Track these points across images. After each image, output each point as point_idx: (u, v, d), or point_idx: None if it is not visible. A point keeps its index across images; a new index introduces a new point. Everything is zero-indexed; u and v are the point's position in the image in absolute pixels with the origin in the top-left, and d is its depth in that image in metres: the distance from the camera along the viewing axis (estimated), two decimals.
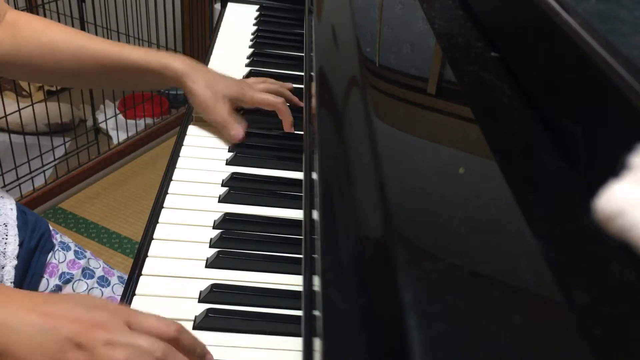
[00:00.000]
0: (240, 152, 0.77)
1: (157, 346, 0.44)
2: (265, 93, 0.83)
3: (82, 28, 1.98)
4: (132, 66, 0.77)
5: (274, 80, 0.88)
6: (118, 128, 2.10)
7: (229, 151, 0.78)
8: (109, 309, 0.46)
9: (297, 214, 0.68)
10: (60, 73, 0.77)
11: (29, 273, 0.73)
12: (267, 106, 0.82)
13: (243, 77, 0.96)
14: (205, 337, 0.52)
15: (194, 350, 0.48)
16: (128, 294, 0.56)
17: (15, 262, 0.70)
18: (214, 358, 0.50)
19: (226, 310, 0.55)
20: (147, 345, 0.44)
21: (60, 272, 0.76)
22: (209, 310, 0.55)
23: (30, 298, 0.46)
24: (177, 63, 0.77)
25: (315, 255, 0.41)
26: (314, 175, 0.51)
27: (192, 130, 0.82)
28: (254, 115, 0.86)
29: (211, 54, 1.05)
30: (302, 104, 0.86)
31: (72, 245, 0.81)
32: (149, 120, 2.20)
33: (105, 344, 0.43)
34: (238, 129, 0.78)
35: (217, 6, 2.13)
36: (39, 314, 0.44)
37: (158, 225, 0.65)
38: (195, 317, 0.55)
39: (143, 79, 0.79)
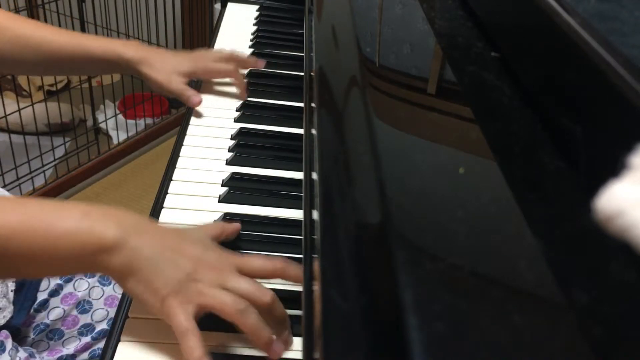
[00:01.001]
0: (240, 152, 0.77)
1: (263, 292, 0.49)
2: (217, 62, 0.89)
3: (82, 28, 1.98)
4: (91, 57, 0.82)
5: (226, 53, 0.91)
6: (118, 128, 2.10)
7: (229, 151, 0.78)
8: (221, 253, 0.52)
9: (297, 214, 0.68)
10: (27, 65, 0.83)
11: None
12: (220, 75, 0.91)
13: (243, 76, 0.96)
14: (206, 337, 0.51)
15: (299, 278, 0.52)
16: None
17: None
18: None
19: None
20: (254, 291, 0.49)
21: None
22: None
23: (156, 231, 0.51)
24: (130, 52, 0.82)
25: (315, 255, 0.41)
26: (314, 175, 0.51)
27: (192, 130, 0.82)
28: (254, 116, 0.86)
29: None
30: (260, 64, 0.94)
31: None
32: (149, 120, 2.20)
33: (217, 285, 0.49)
34: (196, 96, 0.85)
35: (217, 6, 2.13)
36: (165, 246, 0.49)
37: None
38: None
39: (101, 67, 0.86)
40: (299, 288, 0.51)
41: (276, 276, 0.53)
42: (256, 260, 0.52)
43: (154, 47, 0.87)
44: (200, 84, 0.92)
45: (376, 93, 0.53)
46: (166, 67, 0.83)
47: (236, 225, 0.61)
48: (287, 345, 0.52)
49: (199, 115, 0.85)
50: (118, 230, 0.48)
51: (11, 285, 0.71)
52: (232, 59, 0.90)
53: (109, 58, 0.82)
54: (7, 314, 0.68)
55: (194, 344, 0.46)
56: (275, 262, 0.53)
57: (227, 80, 0.92)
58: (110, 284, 0.80)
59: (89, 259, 0.47)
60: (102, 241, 0.47)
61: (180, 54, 0.88)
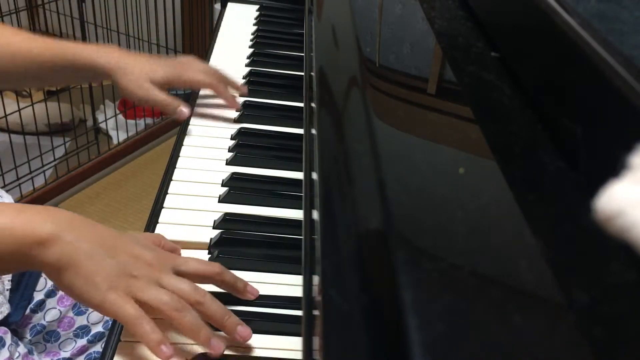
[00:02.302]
0: (240, 152, 0.77)
1: (197, 291, 0.50)
2: (200, 74, 0.84)
3: (82, 28, 1.98)
4: (65, 63, 0.78)
5: (210, 67, 0.87)
6: (118, 128, 2.10)
7: (229, 151, 0.78)
8: (158, 253, 0.52)
9: (297, 214, 0.68)
10: (9, 75, 0.78)
11: (26, 272, 0.74)
12: (203, 86, 0.86)
13: (243, 77, 0.96)
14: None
15: (235, 284, 0.54)
16: None
17: None
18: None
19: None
20: (189, 290, 0.49)
21: None
22: None
23: (93, 227, 0.51)
24: (104, 59, 0.78)
25: (315, 255, 0.41)
26: (314, 175, 0.51)
27: (192, 130, 0.82)
28: (254, 116, 0.86)
29: (211, 54, 1.05)
30: (243, 89, 0.89)
31: None
32: (149, 120, 2.20)
33: (154, 282, 0.49)
34: (184, 107, 0.79)
35: (217, 6, 2.13)
36: (102, 242, 0.50)
37: (158, 225, 0.65)
38: None
39: (77, 75, 0.82)
40: (299, 288, 0.51)
41: (210, 281, 0.54)
42: (192, 262, 0.53)
43: (133, 53, 0.81)
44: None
45: (376, 93, 0.53)
46: (139, 73, 0.78)
47: (175, 247, 0.58)
48: (245, 336, 0.51)
49: (201, 114, 0.85)
50: (52, 224, 0.48)
51: (7, 284, 0.71)
52: (217, 73, 0.86)
53: (84, 65, 0.77)
54: (5, 309, 0.68)
55: (150, 328, 0.47)
56: (211, 266, 0.53)
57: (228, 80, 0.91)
58: None
59: (25, 254, 0.48)
60: (36, 235, 0.47)
61: (158, 60, 0.82)
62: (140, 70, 0.79)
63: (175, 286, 0.49)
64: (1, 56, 0.76)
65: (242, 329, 0.51)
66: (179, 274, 0.51)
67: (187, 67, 0.83)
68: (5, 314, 0.68)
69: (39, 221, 0.48)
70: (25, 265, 0.50)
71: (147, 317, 0.47)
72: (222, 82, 0.86)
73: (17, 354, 0.66)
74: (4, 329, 0.66)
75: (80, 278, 0.48)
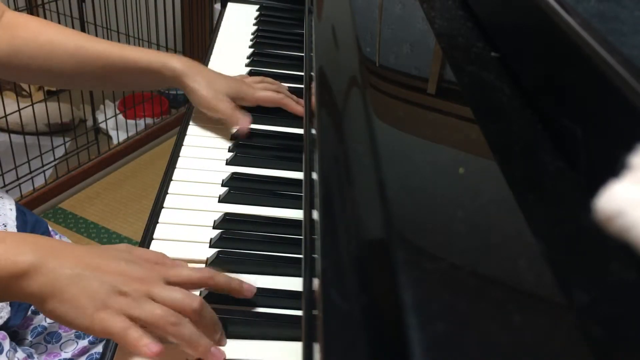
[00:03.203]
0: (240, 152, 0.77)
1: (192, 300, 0.48)
2: (266, 90, 0.84)
3: (82, 28, 1.98)
4: (132, 66, 0.77)
5: (271, 80, 0.88)
6: (118, 128, 2.10)
7: (229, 151, 0.78)
8: (146, 266, 0.50)
9: (297, 214, 0.68)
10: (59, 74, 0.77)
11: None
12: (269, 103, 0.83)
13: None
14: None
15: (230, 285, 0.53)
16: None
17: None
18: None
19: (226, 310, 0.55)
20: (182, 299, 0.48)
21: None
22: None
23: (74, 251, 0.49)
24: (176, 63, 0.77)
25: (315, 255, 0.41)
26: (314, 175, 0.51)
27: (192, 130, 0.82)
28: (254, 116, 0.86)
29: (211, 54, 1.05)
30: (302, 103, 0.86)
31: None
32: (149, 120, 2.20)
33: (146, 296, 0.47)
34: (245, 121, 0.78)
35: (217, 6, 2.13)
36: (85, 264, 0.48)
37: (158, 225, 0.65)
38: None
39: (142, 79, 0.80)
40: (299, 288, 0.51)
41: (204, 285, 0.53)
42: (183, 269, 0.52)
43: (195, 61, 0.82)
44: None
45: (376, 93, 0.53)
46: (213, 85, 0.78)
47: (178, 263, 0.56)
48: (221, 346, 0.51)
49: (198, 116, 0.85)
50: (32, 254, 0.47)
51: None
52: (281, 89, 0.86)
53: (153, 68, 0.77)
54: (5, 314, 0.68)
55: (138, 334, 0.45)
56: (202, 271, 0.52)
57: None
58: None
59: (6, 286, 0.46)
60: (17, 267, 0.46)
61: (226, 76, 0.83)
62: (214, 81, 0.79)
63: (168, 297, 0.48)
64: (60, 55, 0.75)
65: (218, 352, 0.49)
66: (171, 283, 0.50)
67: (252, 85, 0.84)
68: (5, 319, 0.68)
69: (18, 252, 0.47)
70: (9, 297, 0.48)
71: (137, 326, 0.46)
72: (288, 97, 0.85)
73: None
74: (2, 334, 0.66)
75: (65, 304, 0.46)
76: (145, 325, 0.46)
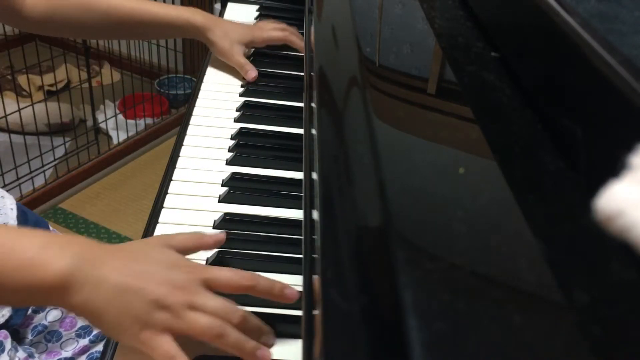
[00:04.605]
0: (240, 152, 0.77)
1: (234, 312, 0.48)
2: (273, 31, 0.98)
3: None
4: (160, 22, 0.89)
5: (279, 23, 1.01)
6: (118, 128, 2.10)
7: (229, 151, 0.78)
8: (187, 269, 0.49)
9: (297, 214, 0.68)
10: (93, 30, 0.90)
11: None
12: (277, 41, 0.99)
13: (242, 77, 0.97)
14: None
15: (272, 290, 0.51)
16: None
17: None
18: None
19: None
20: (224, 311, 0.47)
21: None
22: None
23: (116, 259, 0.48)
24: (198, 17, 0.90)
25: (315, 255, 0.41)
26: (314, 175, 0.51)
27: (192, 130, 0.82)
28: (254, 116, 0.86)
29: (211, 53, 1.05)
30: (300, 44, 1.00)
31: None
32: (149, 120, 2.19)
33: (188, 307, 0.46)
34: (253, 71, 0.92)
35: (217, 6, 2.13)
36: (126, 275, 0.47)
37: (158, 225, 0.65)
38: None
39: (169, 32, 0.96)
40: (299, 288, 0.51)
41: (244, 291, 0.50)
42: (225, 273, 0.50)
43: (216, 16, 0.98)
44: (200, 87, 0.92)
45: (376, 93, 0.53)
46: (229, 35, 0.92)
47: (220, 236, 0.56)
48: (269, 347, 0.50)
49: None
50: (76, 264, 0.46)
51: None
52: (287, 28, 1.00)
53: (178, 23, 0.89)
54: (6, 312, 0.68)
55: None
56: (244, 276, 0.50)
57: (227, 80, 0.92)
58: None
59: (48, 295, 0.46)
60: (58, 278, 0.45)
61: (241, 25, 0.97)
62: (232, 32, 0.93)
63: (212, 307, 0.47)
64: (92, 11, 0.84)
65: (265, 352, 0.49)
66: (212, 287, 0.49)
67: (261, 27, 0.99)
68: (7, 317, 0.68)
69: (62, 262, 0.45)
70: (51, 304, 0.48)
71: (184, 355, 0.45)
72: (293, 34, 1.00)
73: (16, 359, 0.66)
74: (4, 332, 0.66)
75: (105, 324, 0.46)
76: (191, 336, 0.46)
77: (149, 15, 0.87)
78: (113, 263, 0.48)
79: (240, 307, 0.49)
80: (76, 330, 0.76)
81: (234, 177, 0.72)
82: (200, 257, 0.61)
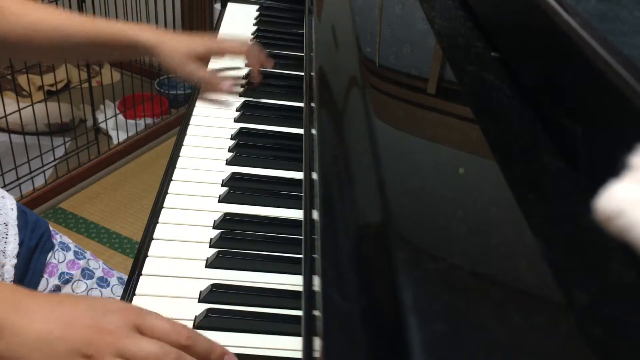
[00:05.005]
0: (240, 152, 0.77)
1: (168, 353, 0.44)
2: (233, 42, 0.90)
3: None
4: (106, 40, 0.81)
5: (241, 39, 0.95)
6: (118, 128, 2.10)
7: (229, 151, 0.78)
8: (118, 313, 0.46)
9: (297, 214, 0.68)
10: (46, 51, 0.82)
11: (28, 272, 0.74)
12: (234, 52, 0.90)
13: (243, 77, 0.96)
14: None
15: (210, 354, 0.47)
16: (128, 294, 0.56)
17: (15, 261, 0.70)
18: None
19: (226, 310, 0.55)
20: (157, 352, 0.44)
21: (59, 272, 0.76)
22: (209, 310, 0.55)
23: (44, 303, 0.46)
24: (146, 36, 0.82)
25: (315, 255, 0.41)
26: (314, 175, 0.51)
27: (192, 130, 0.82)
28: (254, 116, 0.86)
29: None
30: (269, 62, 0.94)
31: (71, 245, 0.81)
32: (149, 120, 2.19)
33: (116, 354, 0.44)
34: (224, 82, 0.86)
35: (217, 6, 2.13)
36: (51, 322, 0.45)
37: (158, 225, 0.65)
38: (195, 317, 0.55)
39: (116, 51, 0.85)
40: (299, 288, 0.51)
41: (180, 349, 0.46)
42: (162, 324, 0.47)
43: (168, 30, 0.89)
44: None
45: (376, 93, 0.53)
46: (180, 50, 0.83)
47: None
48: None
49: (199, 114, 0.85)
50: None
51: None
52: (249, 44, 0.93)
53: (125, 42, 0.82)
54: None
55: None
56: (181, 335, 0.46)
57: (228, 80, 0.92)
58: (108, 286, 0.79)
59: None
60: None
61: (193, 37, 0.87)
62: (181, 47, 0.83)
63: (143, 353, 0.44)
64: (39, 32, 0.78)
65: (229, 357, 0.47)
66: (145, 334, 0.46)
67: (216, 40, 0.91)
68: None
69: None
70: None
71: None
72: (254, 50, 0.92)
73: None
74: None
75: None
76: None
77: (96, 33, 0.80)
78: (41, 307, 0.46)
79: (175, 351, 0.45)
80: None
81: (234, 177, 0.72)
82: (200, 257, 0.61)
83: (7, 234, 0.71)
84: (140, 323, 0.46)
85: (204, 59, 0.86)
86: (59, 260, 0.77)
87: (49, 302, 0.47)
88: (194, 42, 0.85)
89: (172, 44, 0.83)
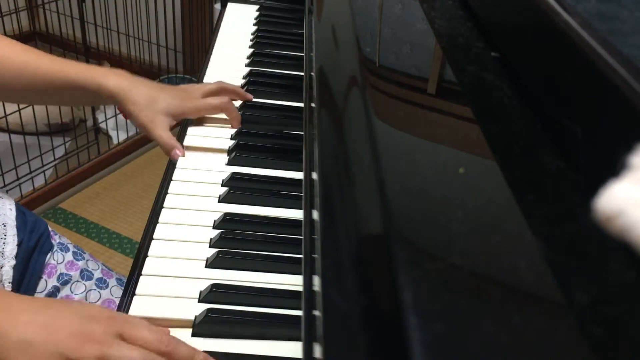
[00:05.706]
0: (240, 152, 0.77)
1: (154, 358, 0.46)
2: (207, 98, 0.81)
3: (82, 28, 1.98)
4: (71, 85, 0.74)
5: (217, 84, 0.85)
6: (118, 128, 2.10)
7: (229, 151, 0.78)
8: (103, 320, 0.47)
9: (297, 214, 0.68)
10: (8, 92, 0.75)
11: (27, 273, 0.73)
12: (212, 111, 0.82)
13: (243, 77, 0.97)
14: (205, 338, 0.51)
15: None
16: (128, 294, 0.56)
17: (13, 262, 0.70)
18: (214, 358, 0.50)
19: (226, 310, 0.55)
20: (139, 359, 0.45)
21: (58, 272, 0.76)
22: (209, 310, 0.55)
23: (30, 306, 0.47)
24: (112, 83, 0.74)
25: (315, 255, 0.41)
26: (314, 175, 0.51)
27: (192, 131, 0.82)
28: (254, 116, 0.86)
29: (211, 54, 1.05)
30: (249, 96, 0.87)
31: (70, 246, 0.81)
32: None
33: (97, 359, 0.44)
34: (179, 149, 0.76)
35: (217, 6, 2.13)
36: (36, 325, 0.45)
37: (158, 225, 0.65)
38: (195, 317, 0.55)
39: (82, 97, 0.78)
40: (299, 288, 0.51)
41: (162, 355, 0.47)
42: (144, 333, 0.48)
43: (142, 79, 0.79)
44: None
45: (376, 93, 0.53)
46: (152, 105, 0.75)
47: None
48: None
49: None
50: None
51: (7, 286, 0.70)
52: (222, 90, 0.83)
53: (89, 87, 0.74)
54: None
55: None
56: (162, 342, 0.48)
57: (227, 81, 0.92)
58: (107, 287, 0.79)
59: None
60: None
61: (167, 90, 0.79)
62: (154, 102, 0.76)
63: (122, 358, 0.45)
64: (7, 72, 0.72)
65: None
66: (128, 342, 0.47)
67: (194, 95, 0.80)
68: None
69: None
70: None
71: None
72: (228, 97, 0.83)
73: None
74: None
75: None
76: None
77: (59, 78, 0.73)
78: (25, 311, 0.46)
79: (164, 342, 0.47)
80: None
81: (234, 177, 0.72)
82: (200, 257, 0.61)
83: (5, 235, 0.71)
84: (123, 331, 0.47)
85: (177, 118, 0.79)
86: (58, 261, 0.77)
87: (36, 306, 0.47)
88: (169, 99, 0.77)
89: (144, 97, 0.75)
